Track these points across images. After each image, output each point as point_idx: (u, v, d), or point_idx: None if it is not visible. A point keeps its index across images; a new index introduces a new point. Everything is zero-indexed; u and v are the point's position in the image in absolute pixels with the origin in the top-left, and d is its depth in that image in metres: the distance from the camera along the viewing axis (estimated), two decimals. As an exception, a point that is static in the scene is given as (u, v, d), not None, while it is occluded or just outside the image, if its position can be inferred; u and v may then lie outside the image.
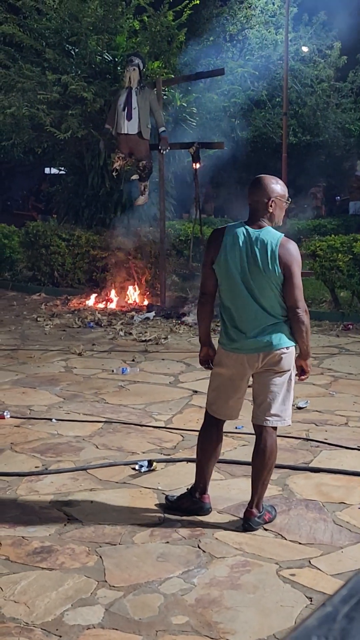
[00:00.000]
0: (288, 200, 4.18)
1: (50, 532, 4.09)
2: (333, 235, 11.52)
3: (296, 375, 4.26)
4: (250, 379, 4.24)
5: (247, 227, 4.07)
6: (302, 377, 4.31)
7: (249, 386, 4.29)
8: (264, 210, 4.07)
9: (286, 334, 4.09)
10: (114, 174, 11.79)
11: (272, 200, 4.06)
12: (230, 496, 4.57)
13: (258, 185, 4.10)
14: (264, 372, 4.13)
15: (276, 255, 3.97)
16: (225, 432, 4.49)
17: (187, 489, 4.41)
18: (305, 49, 25.44)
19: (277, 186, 4.11)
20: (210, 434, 4.32)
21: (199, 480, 4.32)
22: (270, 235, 4.02)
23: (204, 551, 3.88)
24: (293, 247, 4.04)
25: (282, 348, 4.06)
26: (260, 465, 4.16)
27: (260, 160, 21.09)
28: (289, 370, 4.15)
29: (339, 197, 26.76)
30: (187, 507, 4.31)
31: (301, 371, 4.27)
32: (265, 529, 4.15)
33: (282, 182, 4.22)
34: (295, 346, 4.17)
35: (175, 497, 4.42)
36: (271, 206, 4.07)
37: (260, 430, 4.20)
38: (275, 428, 4.20)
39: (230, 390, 4.22)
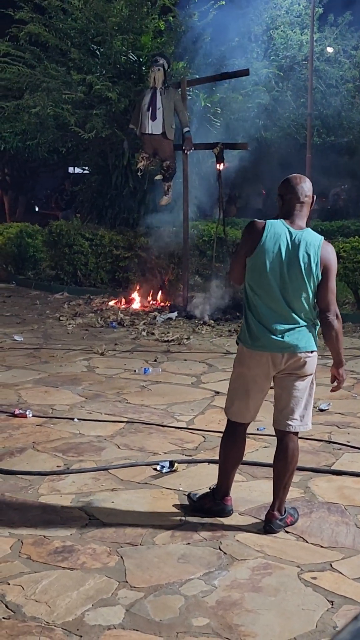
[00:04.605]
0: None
1: (71, 531, 4.10)
2: (357, 237, 11.46)
3: (333, 387, 4.24)
4: (272, 381, 4.19)
5: (287, 226, 4.00)
6: (335, 388, 4.24)
7: (270, 388, 4.25)
8: (300, 209, 4.03)
9: (312, 337, 4.05)
10: (138, 174, 11.81)
11: (308, 198, 4.04)
12: (252, 498, 4.56)
13: (295, 183, 4.03)
14: (287, 376, 4.08)
15: (318, 257, 3.94)
16: (246, 434, 4.46)
17: (210, 488, 4.40)
18: (330, 49, 25.35)
19: (310, 185, 4.08)
20: (233, 438, 4.28)
21: (222, 484, 4.30)
22: (312, 236, 3.99)
23: (225, 553, 3.87)
24: (332, 250, 4.01)
25: (307, 351, 4.01)
26: (282, 469, 4.13)
27: (285, 161, 21.00)
28: (311, 375, 4.11)
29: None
30: (209, 507, 4.30)
31: (334, 379, 4.20)
32: (287, 532, 4.12)
33: None
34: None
35: (197, 496, 4.41)
36: (306, 205, 4.05)
37: (282, 435, 4.17)
38: (297, 432, 4.18)
39: (252, 391, 4.15)
